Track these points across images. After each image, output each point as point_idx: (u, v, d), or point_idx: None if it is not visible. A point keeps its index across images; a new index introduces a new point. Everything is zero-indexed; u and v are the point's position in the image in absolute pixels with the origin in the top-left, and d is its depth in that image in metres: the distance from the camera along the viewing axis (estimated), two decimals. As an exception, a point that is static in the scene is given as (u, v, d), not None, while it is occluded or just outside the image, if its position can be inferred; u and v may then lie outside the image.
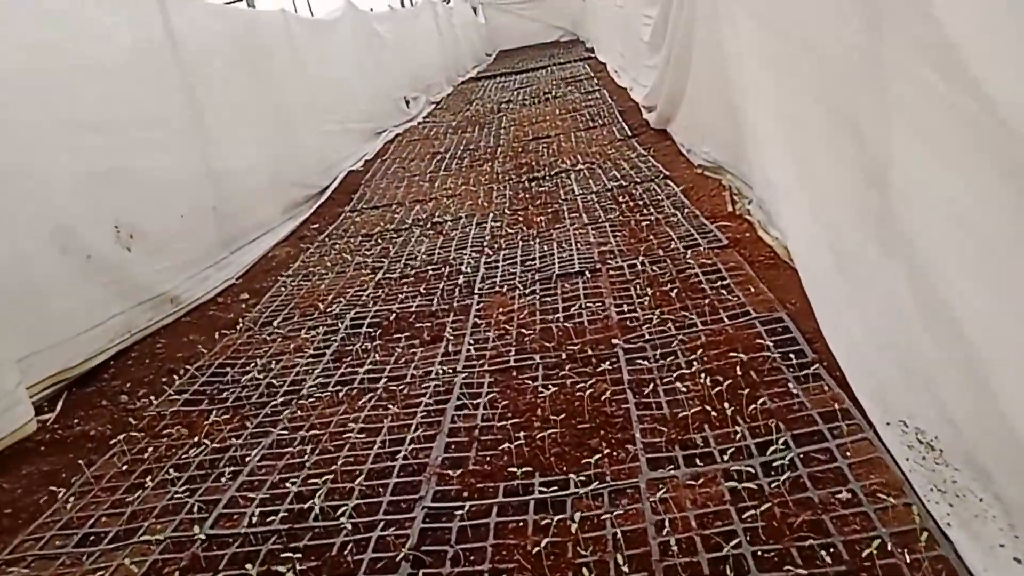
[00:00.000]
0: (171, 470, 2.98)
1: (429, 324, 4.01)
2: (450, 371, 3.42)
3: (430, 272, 4.85)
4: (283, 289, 5.09)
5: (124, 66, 5.03)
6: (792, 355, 2.96)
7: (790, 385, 2.76)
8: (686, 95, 6.82)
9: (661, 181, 5.97)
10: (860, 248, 2.94)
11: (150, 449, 3.18)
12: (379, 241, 5.84)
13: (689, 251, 4.28)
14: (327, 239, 6.25)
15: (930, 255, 2.42)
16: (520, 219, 5.69)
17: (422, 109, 12.97)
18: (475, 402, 3.11)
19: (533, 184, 6.74)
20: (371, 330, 4.06)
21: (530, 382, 3.19)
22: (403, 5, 20.77)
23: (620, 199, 5.68)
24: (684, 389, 2.86)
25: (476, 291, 4.36)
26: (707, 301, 3.59)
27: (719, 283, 3.78)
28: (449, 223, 5.96)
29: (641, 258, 4.32)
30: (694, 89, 6.47)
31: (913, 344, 2.54)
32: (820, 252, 3.24)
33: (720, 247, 4.28)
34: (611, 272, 4.21)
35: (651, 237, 4.67)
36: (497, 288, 4.36)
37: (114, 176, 4.67)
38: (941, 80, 2.15)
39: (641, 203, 5.47)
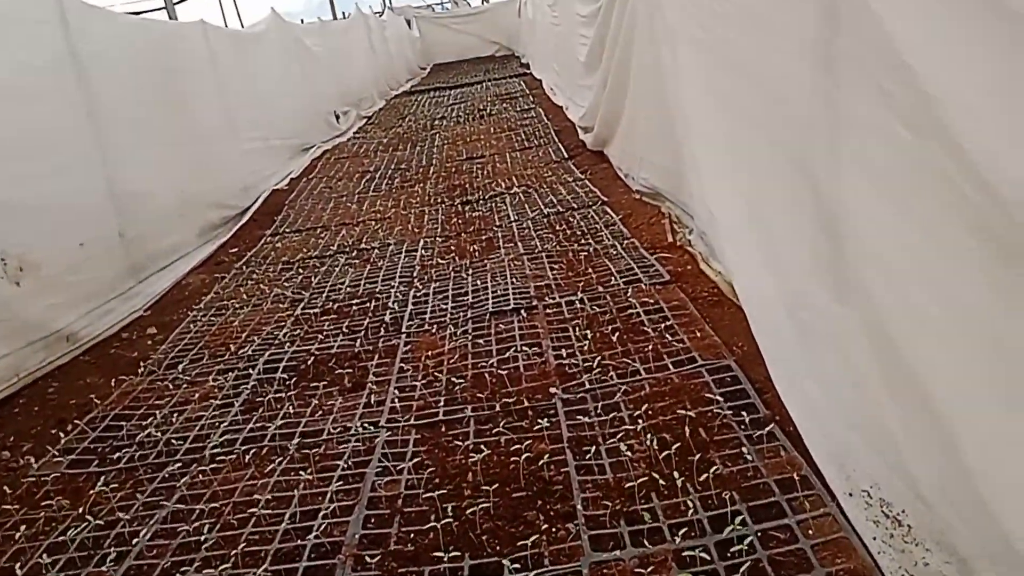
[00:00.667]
0: (45, 553, 2.58)
1: (351, 369, 3.68)
2: (372, 427, 3.10)
3: (354, 307, 4.52)
4: (193, 325, 4.67)
5: (17, 85, 4.58)
6: (743, 410, 2.74)
7: (743, 448, 2.54)
8: (623, 119, 6.66)
9: (599, 208, 5.77)
10: (814, 298, 2.75)
11: (24, 526, 2.76)
12: (300, 270, 5.47)
13: (630, 287, 4.06)
14: (245, 266, 5.84)
15: (892, 313, 2.23)
16: (452, 247, 5.40)
17: (352, 124, 12.58)
18: (399, 465, 2.79)
19: (466, 208, 6.46)
20: (287, 375, 3.71)
21: (460, 441, 2.90)
22: (335, 18, 20.32)
23: (557, 227, 5.45)
24: (629, 451, 2.60)
25: (403, 329, 4.05)
26: (650, 345, 3.36)
27: (662, 324, 3.57)
28: (376, 250, 5.63)
29: (580, 295, 4.08)
30: (631, 113, 6.31)
31: (874, 407, 2.34)
32: (770, 298, 3.05)
33: (662, 283, 4.07)
34: (548, 310, 3.96)
35: (590, 270, 4.44)
36: (426, 326, 4.05)
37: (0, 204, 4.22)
38: (909, 132, 1.96)
39: (579, 232, 5.25)
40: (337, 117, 12.51)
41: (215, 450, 3.10)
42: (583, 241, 5.02)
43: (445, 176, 7.81)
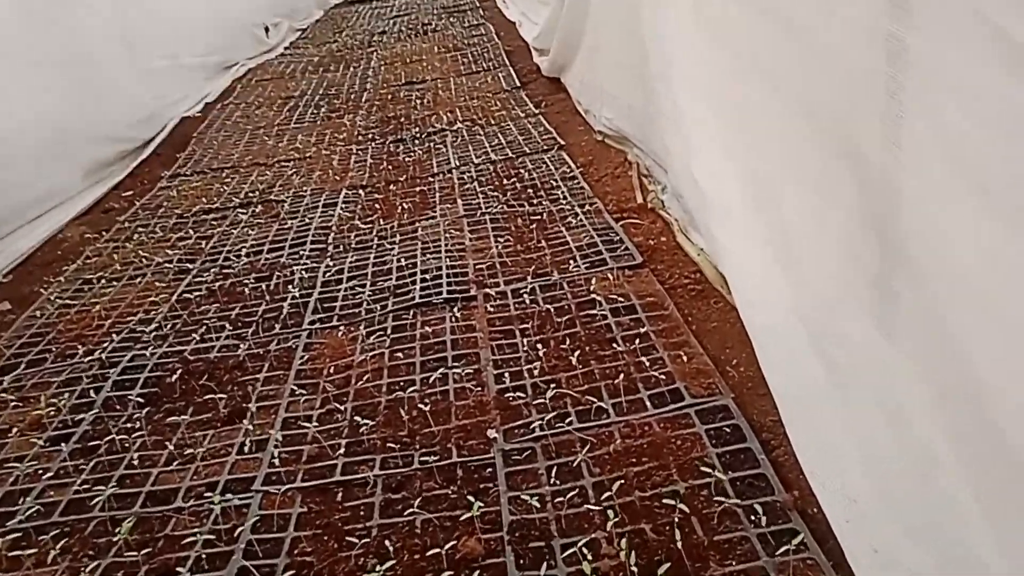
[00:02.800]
0: None
1: (229, 386, 2.81)
2: (243, 489, 2.27)
3: (249, 286, 3.61)
4: (49, 305, 3.72)
5: None
6: (752, 488, 1.98)
7: (760, 559, 1.77)
8: (583, 43, 5.69)
9: (555, 154, 4.86)
10: (851, 325, 1.97)
11: None
12: (194, 227, 4.49)
13: (593, 273, 3.22)
14: (131, 220, 4.83)
15: (981, 362, 1.47)
16: (379, 203, 4.47)
17: (283, 38, 11.22)
18: (270, 565, 1.98)
19: (400, 149, 5.49)
20: (145, 393, 2.83)
21: (360, 524, 2.08)
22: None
23: (505, 178, 4.54)
24: (598, 565, 1.82)
25: (305, 324, 3.18)
26: (620, 366, 2.56)
27: (634, 332, 2.75)
28: (288, 203, 4.67)
29: (530, 281, 3.24)
30: (594, 38, 5.35)
31: (947, 497, 1.60)
32: (783, 316, 2.25)
33: (632, 267, 3.24)
34: (490, 303, 3.11)
35: (543, 244, 3.58)
36: (334, 321, 3.18)
37: None
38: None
39: (531, 186, 4.36)
40: (267, 30, 11.13)
41: (19, 528, 2.23)
42: (536, 200, 4.14)
43: (379, 105, 6.76)
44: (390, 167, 5.10)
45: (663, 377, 2.47)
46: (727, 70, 2.62)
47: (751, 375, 2.54)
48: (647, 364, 2.54)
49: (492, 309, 3.06)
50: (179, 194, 5.15)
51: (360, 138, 5.87)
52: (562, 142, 5.09)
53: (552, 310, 2.96)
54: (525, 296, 3.11)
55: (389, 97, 6.99)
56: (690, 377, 2.46)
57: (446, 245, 3.73)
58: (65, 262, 4.40)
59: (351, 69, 8.31)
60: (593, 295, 3.02)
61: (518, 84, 6.76)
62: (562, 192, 4.20)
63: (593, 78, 5.34)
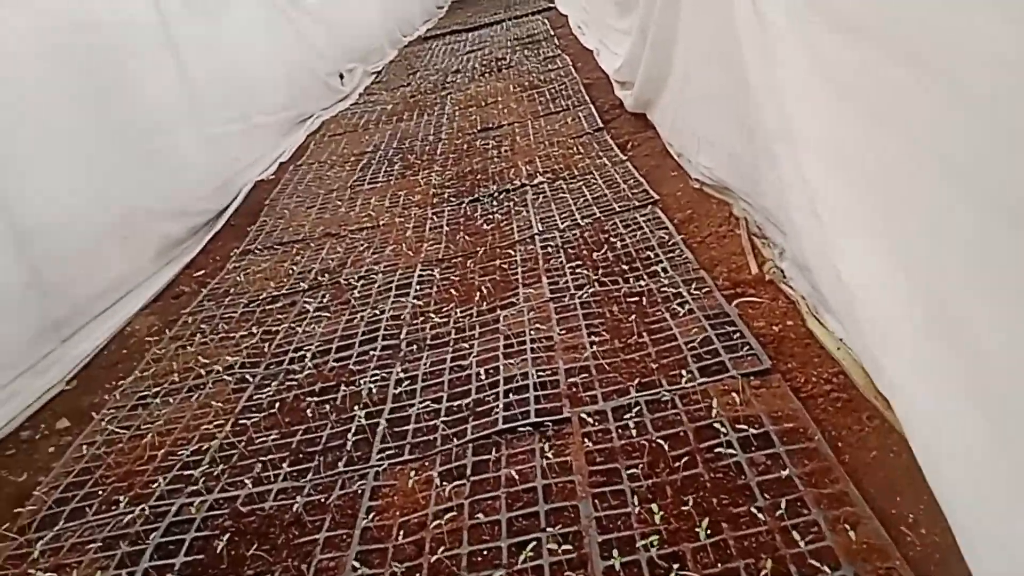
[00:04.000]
0: None
1: (284, 552, 2.38)
2: None
3: (314, 401, 3.19)
4: (97, 435, 3.39)
5: None
6: None
7: None
8: (671, 79, 5.13)
9: (649, 211, 4.31)
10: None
11: None
12: (259, 322, 4.14)
13: (711, 384, 2.65)
14: (196, 311, 4.54)
15: None
16: (455, 284, 4.01)
17: (358, 84, 11.05)
18: None
19: (477, 210, 5.04)
20: (189, 562, 2.42)
21: None
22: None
23: (594, 246, 4.01)
24: None
25: (372, 459, 2.72)
26: (762, 538, 1.98)
27: (774, 477, 2.17)
28: (359, 287, 4.27)
29: (634, 395, 2.69)
30: (683, 72, 4.78)
31: None
32: (992, 489, 1.64)
33: (759, 372, 2.66)
34: (587, 431, 2.58)
35: (644, 338, 3.03)
36: (406, 454, 2.71)
37: None
38: None
39: (624, 256, 3.81)
40: (341, 77, 11.00)
41: None
42: (632, 275, 3.60)
43: (455, 157, 6.35)
44: (466, 235, 4.65)
45: (824, 559, 1.88)
46: (880, 137, 2.03)
47: (937, 541, 1.93)
48: (798, 538, 1.95)
49: (590, 439, 2.53)
50: (247, 278, 4.84)
51: (435, 199, 5.45)
52: (655, 195, 4.53)
53: (665, 444, 2.41)
54: (629, 420, 2.56)
55: (465, 147, 6.58)
56: (860, 558, 1.86)
57: (531, 340, 3.22)
58: (130, 362, 4.14)
59: (424, 117, 7.97)
60: (713, 417, 2.45)
61: (600, 124, 6.23)
62: (662, 263, 3.64)
63: (684, 118, 4.77)
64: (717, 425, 2.41)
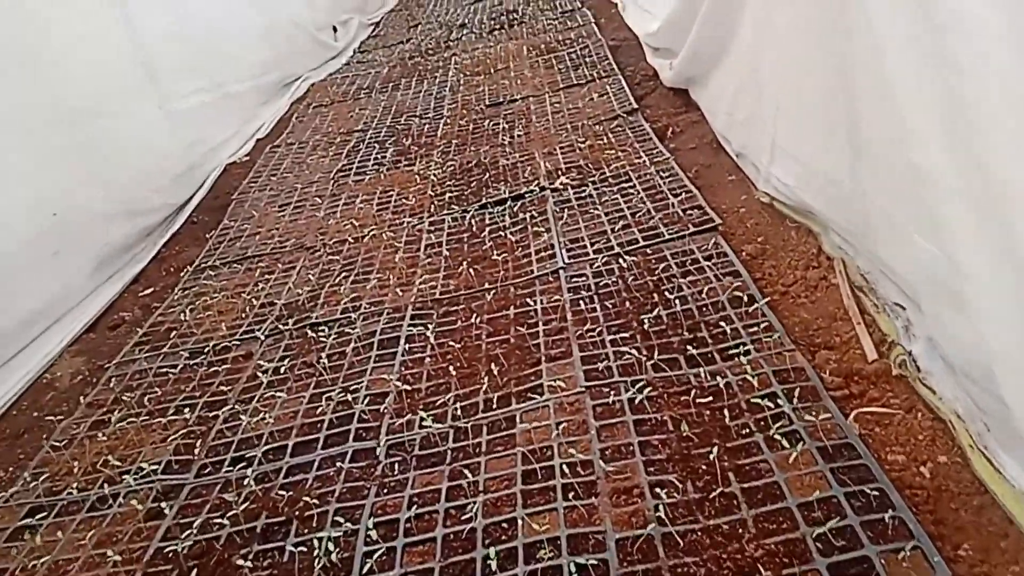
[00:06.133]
0: None
1: None
2: None
3: (248, 564, 2.23)
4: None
5: None
6: None
7: None
8: (730, 61, 4.05)
9: (709, 243, 3.29)
10: None
11: None
12: (200, 387, 3.17)
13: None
14: (126, 362, 3.58)
15: None
16: (456, 349, 3.01)
17: (353, 39, 9.82)
18: None
19: (484, 225, 4.01)
20: None
21: None
22: None
23: (641, 301, 2.99)
24: None
25: None
26: None
27: None
28: (332, 338, 3.29)
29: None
30: (749, 62, 3.69)
31: None
32: None
33: (913, 550, 1.67)
34: None
35: (732, 485, 2.05)
36: None
37: None
38: None
39: (683, 319, 2.80)
40: (335, 30, 9.79)
41: None
42: (698, 351, 2.59)
43: (458, 143, 5.28)
44: (471, 263, 3.62)
45: None
46: None
47: None
48: None
49: None
50: (193, 314, 3.83)
51: (433, 204, 4.42)
52: (714, 215, 3.49)
53: None
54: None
55: (471, 128, 5.50)
56: None
57: (561, 470, 2.24)
58: (35, 440, 3.20)
59: (424, 84, 6.85)
60: None
61: (634, 104, 5.13)
62: (739, 336, 2.63)
63: (753, 118, 3.69)
64: None
